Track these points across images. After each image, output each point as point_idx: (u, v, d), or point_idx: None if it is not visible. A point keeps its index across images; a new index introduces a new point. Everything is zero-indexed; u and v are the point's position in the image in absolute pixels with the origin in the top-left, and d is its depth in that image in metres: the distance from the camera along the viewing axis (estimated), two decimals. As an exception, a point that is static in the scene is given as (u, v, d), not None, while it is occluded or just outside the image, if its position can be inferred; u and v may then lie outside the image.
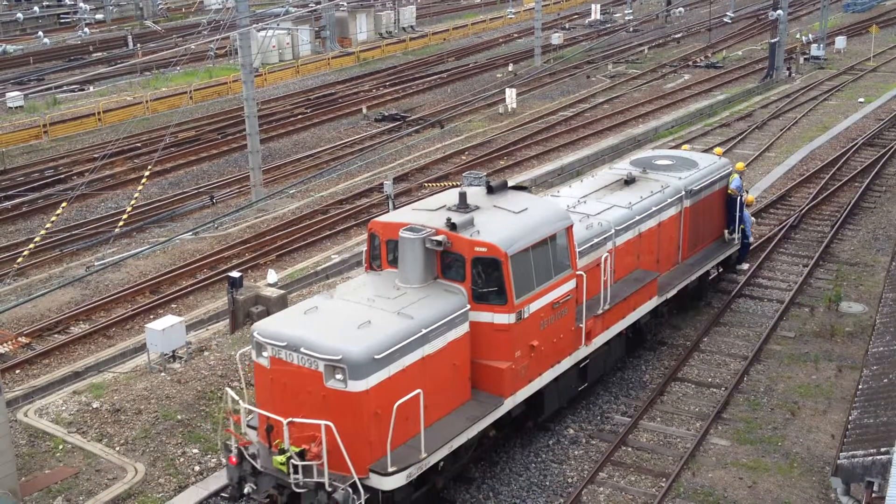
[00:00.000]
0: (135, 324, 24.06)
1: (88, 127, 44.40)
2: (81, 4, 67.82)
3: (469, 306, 15.04)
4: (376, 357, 13.39)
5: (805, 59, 54.01)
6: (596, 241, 18.02)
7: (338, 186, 34.77)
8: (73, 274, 27.00)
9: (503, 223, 15.64)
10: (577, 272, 16.72)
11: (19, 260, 27.35)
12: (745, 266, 24.55)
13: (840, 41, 57.31)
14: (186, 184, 36.17)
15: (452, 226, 15.15)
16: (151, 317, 23.80)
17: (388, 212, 27.30)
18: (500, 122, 43.36)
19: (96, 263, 27.20)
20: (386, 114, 45.27)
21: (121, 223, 29.60)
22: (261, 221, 31.20)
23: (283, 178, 36.17)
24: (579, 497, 15.81)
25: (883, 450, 12.48)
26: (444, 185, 33.46)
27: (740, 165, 24.23)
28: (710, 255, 22.22)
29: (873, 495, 12.39)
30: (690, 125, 41.25)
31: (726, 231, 23.00)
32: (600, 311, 17.72)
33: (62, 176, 36.74)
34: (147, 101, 47.39)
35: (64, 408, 18.49)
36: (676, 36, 65.61)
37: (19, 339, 23.26)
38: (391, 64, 59.51)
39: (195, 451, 17.23)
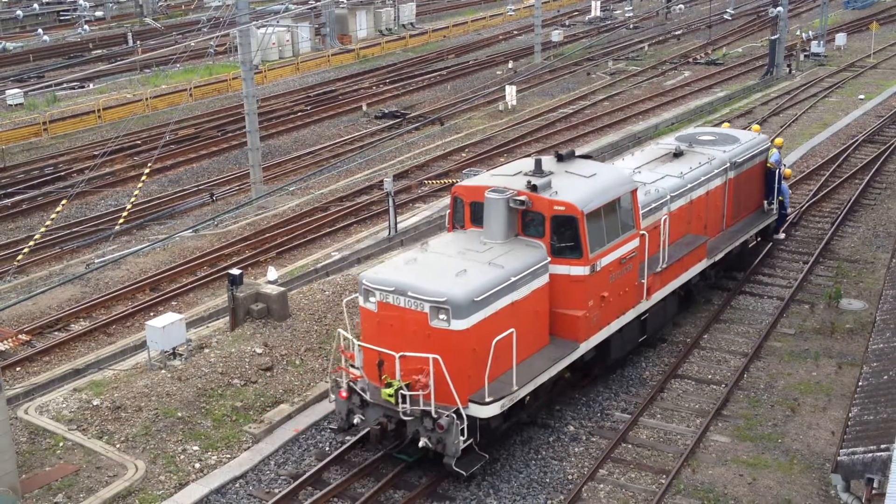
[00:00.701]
0: (135, 321, 24.05)
1: (88, 124, 44.38)
2: (81, 2, 67.42)
3: (549, 259, 16.58)
4: (475, 299, 15.10)
5: (805, 55, 53.95)
6: (654, 205, 19.78)
7: (338, 184, 34.75)
8: (73, 271, 27.01)
9: (577, 185, 17.32)
10: (641, 232, 18.37)
11: (19, 257, 27.37)
12: (783, 235, 25.83)
13: (840, 38, 57.22)
14: (186, 181, 36.15)
15: (533, 187, 16.82)
16: (152, 314, 23.76)
17: (388, 209, 27.61)
18: (499, 120, 43.31)
19: (96, 261, 27.19)
20: (386, 111, 45.23)
21: (121, 220, 29.59)
22: (261, 219, 31.19)
23: (283, 176, 36.15)
24: (579, 494, 15.83)
25: (883, 446, 12.46)
26: (445, 182, 33.46)
27: (779, 141, 25.61)
28: (752, 223, 24.12)
29: (873, 492, 12.38)
30: (690, 122, 41.16)
31: (765, 202, 24.61)
32: (659, 269, 19.55)
33: (62, 173, 36.73)
34: (147, 99, 47.34)
35: (64, 405, 18.50)
36: (676, 33, 65.53)
37: (20, 336, 23.25)
38: (391, 61, 59.46)
39: (195, 448, 17.24)
